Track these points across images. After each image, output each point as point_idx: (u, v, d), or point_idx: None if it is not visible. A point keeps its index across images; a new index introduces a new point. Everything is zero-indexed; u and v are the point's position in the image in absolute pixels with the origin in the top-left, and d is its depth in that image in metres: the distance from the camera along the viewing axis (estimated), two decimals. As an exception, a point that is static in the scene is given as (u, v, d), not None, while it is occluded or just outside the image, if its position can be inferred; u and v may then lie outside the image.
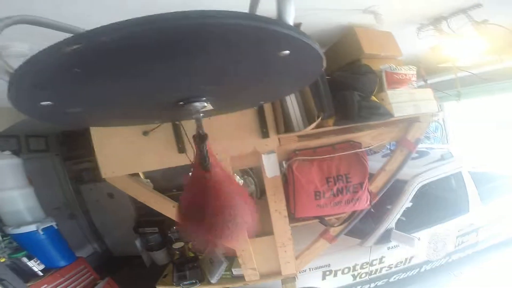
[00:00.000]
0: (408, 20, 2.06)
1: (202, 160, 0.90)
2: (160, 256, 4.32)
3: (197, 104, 0.84)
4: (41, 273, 2.76)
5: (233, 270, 2.28)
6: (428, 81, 2.44)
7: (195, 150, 0.93)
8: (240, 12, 0.54)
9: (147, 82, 0.70)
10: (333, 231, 2.16)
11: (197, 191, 0.87)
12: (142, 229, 4.33)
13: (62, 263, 2.99)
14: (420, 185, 2.75)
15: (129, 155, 1.77)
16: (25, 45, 1.52)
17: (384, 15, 1.85)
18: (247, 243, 1.99)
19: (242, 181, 2.10)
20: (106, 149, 1.78)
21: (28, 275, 2.69)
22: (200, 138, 0.90)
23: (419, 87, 2.08)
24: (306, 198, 1.88)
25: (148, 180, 2.03)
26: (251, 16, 0.60)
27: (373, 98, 1.80)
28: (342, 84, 1.74)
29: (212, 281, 2.23)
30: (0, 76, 0.66)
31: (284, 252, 2.07)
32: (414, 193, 2.72)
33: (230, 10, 0.52)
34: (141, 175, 2.02)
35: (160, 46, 0.53)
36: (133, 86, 0.70)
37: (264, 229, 2.05)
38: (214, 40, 0.55)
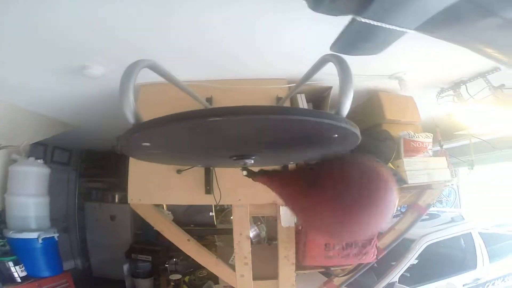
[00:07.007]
0: (429, 84, 2.15)
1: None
2: (145, 284, 4.29)
3: (246, 161, 0.97)
4: (19, 280, 2.57)
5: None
6: (444, 146, 2.48)
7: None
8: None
9: (224, 144, 0.90)
10: (337, 281, 2.18)
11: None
12: (134, 255, 4.37)
13: (46, 273, 2.82)
14: (427, 244, 2.77)
15: (159, 187, 1.88)
16: (102, 69, 1.72)
17: (408, 81, 1.93)
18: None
19: (256, 228, 2.14)
20: (139, 178, 1.89)
21: (5, 278, 2.52)
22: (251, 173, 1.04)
23: (435, 152, 2.13)
24: (317, 248, 1.94)
25: (170, 213, 2.10)
26: (319, 114, 0.73)
27: (389, 164, 1.86)
28: (361, 148, 1.86)
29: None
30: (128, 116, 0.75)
31: (284, 296, 2.07)
32: (420, 251, 2.76)
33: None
34: (164, 207, 2.09)
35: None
36: (212, 144, 0.89)
37: (268, 273, 2.05)
38: (292, 127, 0.74)
